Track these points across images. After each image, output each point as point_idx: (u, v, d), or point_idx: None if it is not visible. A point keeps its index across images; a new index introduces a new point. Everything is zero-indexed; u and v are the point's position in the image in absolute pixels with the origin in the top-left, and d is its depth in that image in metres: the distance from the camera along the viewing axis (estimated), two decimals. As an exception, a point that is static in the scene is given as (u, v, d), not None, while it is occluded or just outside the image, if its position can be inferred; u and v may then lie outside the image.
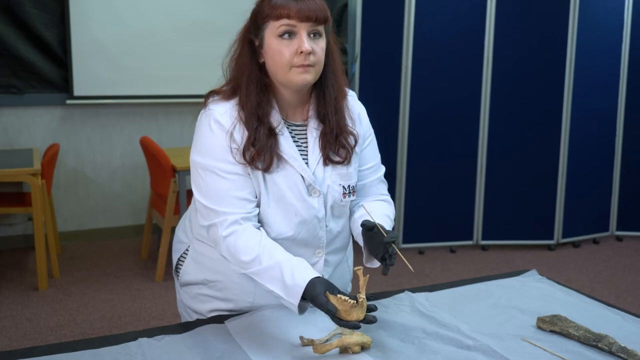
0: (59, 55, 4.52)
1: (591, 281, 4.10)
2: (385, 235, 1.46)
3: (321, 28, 1.52)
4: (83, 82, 4.56)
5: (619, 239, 5.00)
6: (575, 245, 4.83)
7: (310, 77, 1.52)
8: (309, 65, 1.50)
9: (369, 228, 1.51)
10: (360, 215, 1.67)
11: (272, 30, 1.50)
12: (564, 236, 4.78)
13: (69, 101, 4.56)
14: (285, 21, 1.48)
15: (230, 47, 1.60)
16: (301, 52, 1.48)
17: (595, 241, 4.93)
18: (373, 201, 1.72)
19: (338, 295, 1.36)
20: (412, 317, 1.59)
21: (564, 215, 4.73)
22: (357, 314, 1.35)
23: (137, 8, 4.63)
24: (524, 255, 4.59)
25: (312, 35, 1.50)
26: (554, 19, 4.51)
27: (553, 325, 1.53)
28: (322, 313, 1.56)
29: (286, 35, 1.49)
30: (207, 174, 1.54)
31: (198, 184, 1.57)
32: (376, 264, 1.60)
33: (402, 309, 1.64)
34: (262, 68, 1.56)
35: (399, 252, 1.46)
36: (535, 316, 1.60)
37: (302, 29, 1.49)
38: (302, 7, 1.47)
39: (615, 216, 4.99)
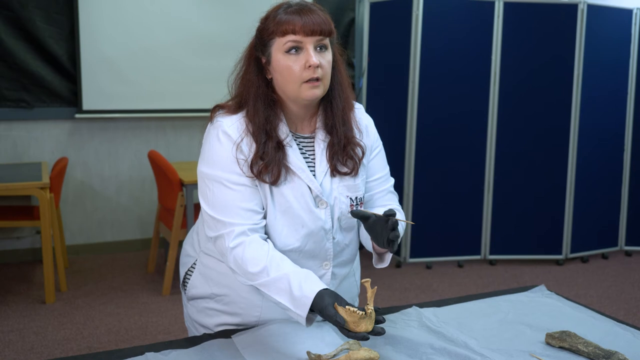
0: (68, 70, 4.56)
1: (600, 296, 4.07)
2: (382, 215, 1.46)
3: (327, 41, 1.54)
4: (92, 96, 4.59)
5: (628, 254, 4.97)
6: (583, 260, 4.80)
7: (319, 91, 1.54)
8: (317, 79, 1.51)
9: (365, 218, 1.50)
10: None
11: (278, 46, 1.52)
12: (572, 251, 4.75)
13: (77, 115, 4.59)
14: (291, 37, 1.50)
15: (236, 64, 1.61)
16: (309, 66, 1.49)
17: (604, 256, 4.90)
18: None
19: (346, 307, 1.36)
20: (419, 333, 1.59)
21: (573, 230, 4.71)
22: (366, 326, 1.35)
23: (146, 23, 4.67)
24: (532, 270, 4.57)
25: (318, 48, 1.52)
26: (561, 34, 4.52)
27: (562, 341, 1.52)
28: (330, 328, 1.56)
29: (293, 51, 1.51)
30: (215, 185, 1.55)
31: (205, 195, 1.57)
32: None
33: (409, 324, 1.63)
34: (269, 84, 1.58)
35: (399, 219, 1.46)
36: (543, 332, 1.59)
37: (309, 43, 1.50)
38: (307, 21, 1.49)
39: (624, 231, 4.97)
